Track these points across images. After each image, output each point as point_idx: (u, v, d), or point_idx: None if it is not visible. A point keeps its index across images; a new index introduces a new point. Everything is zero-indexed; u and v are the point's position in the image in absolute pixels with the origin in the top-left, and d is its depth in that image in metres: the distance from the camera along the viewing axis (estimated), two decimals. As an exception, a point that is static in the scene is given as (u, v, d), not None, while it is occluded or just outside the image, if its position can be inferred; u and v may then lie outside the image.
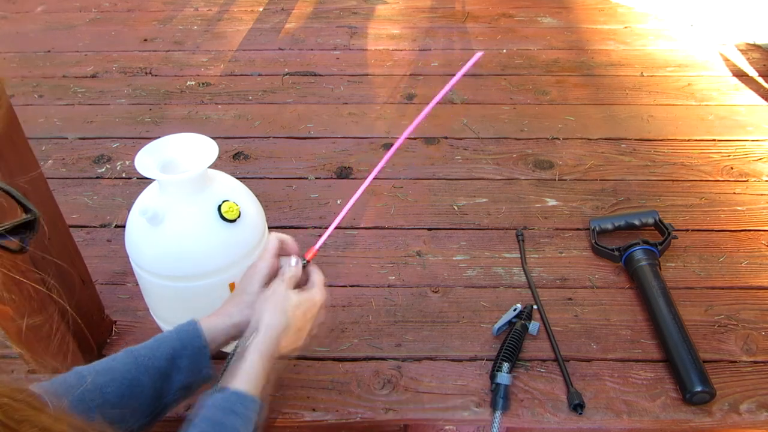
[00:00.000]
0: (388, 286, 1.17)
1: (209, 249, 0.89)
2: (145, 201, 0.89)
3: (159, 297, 0.97)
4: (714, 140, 1.57)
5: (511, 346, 1.00)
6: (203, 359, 0.76)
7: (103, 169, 1.49)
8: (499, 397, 0.94)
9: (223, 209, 0.87)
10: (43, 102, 1.76)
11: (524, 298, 1.14)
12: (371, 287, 1.17)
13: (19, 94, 1.80)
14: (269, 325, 0.74)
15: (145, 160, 0.86)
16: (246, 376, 0.69)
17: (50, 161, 1.51)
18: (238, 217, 0.88)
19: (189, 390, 0.77)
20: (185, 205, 0.88)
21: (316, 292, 0.81)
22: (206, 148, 0.88)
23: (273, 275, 0.82)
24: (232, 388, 0.68)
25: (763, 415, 0.95)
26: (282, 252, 0.84)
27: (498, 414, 0.92)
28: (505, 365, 0.96)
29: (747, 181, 1.43)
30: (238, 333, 0.79)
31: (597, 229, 1.26)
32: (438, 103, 0.84)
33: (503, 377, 0.95)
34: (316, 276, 0.83)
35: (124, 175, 1.47)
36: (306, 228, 1.31)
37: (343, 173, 1.46)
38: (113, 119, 1.68)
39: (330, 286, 1.15)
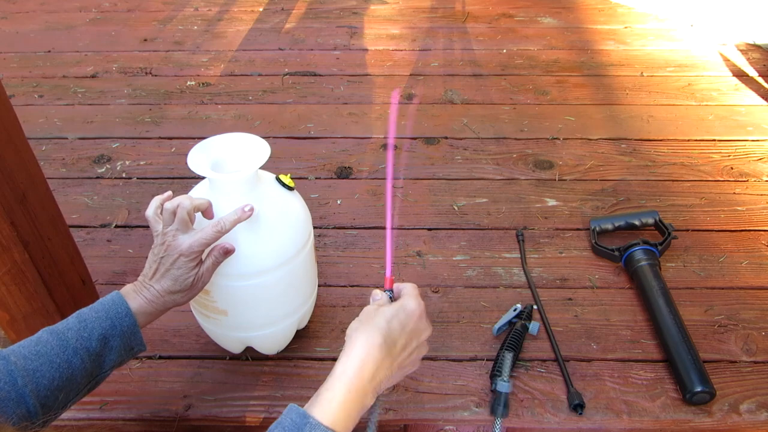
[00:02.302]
0: (388, 286, 1.17)
1: (297, 225, 0.91)
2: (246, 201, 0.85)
3: (253, 300, 0.92)
4: (714, 140, 1.57)
5: (510, 346, 1.00)
6: (134, 338, 0.74)
7: (103, 169, 1.49)
8: (498, 405, 0.93)
9: (284, 180, 0.90)
10: (43, 102, 1.76)
11: (524, 298, 1.14)
12: (371, 287, 1.17)
13: (19, 94, 1.80)
14: (361, 347, 0.65)
15: (198, 157, 0.84)
16: (324, 404, 0.63)
17: (50, 161, 1.51)
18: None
19: (120, 365, 0.76)
20: (255, 198, 0.86)
21: (409, 300, 0.69)
22: (254, 146, 0.87)
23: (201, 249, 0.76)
24: (309, 413, 0.62)
25: (763, 415, 0.95)
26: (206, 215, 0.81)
27: (499, 421, 0.92)
28: (506, 370, 0.95)
29: (747, 181, 1.43)
30: (167, 309, 0.78)
31: (597, 229, 1.26)
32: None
33: (502, 385, 0.94)
34: (407, 287, 0.73)
35: (124, 175, 1.47)
36: (306, 228, 1.31)
37: (343, 173, 1.46)
38: (113, 119, 1.68)
39: (330, 285, 1.16)
